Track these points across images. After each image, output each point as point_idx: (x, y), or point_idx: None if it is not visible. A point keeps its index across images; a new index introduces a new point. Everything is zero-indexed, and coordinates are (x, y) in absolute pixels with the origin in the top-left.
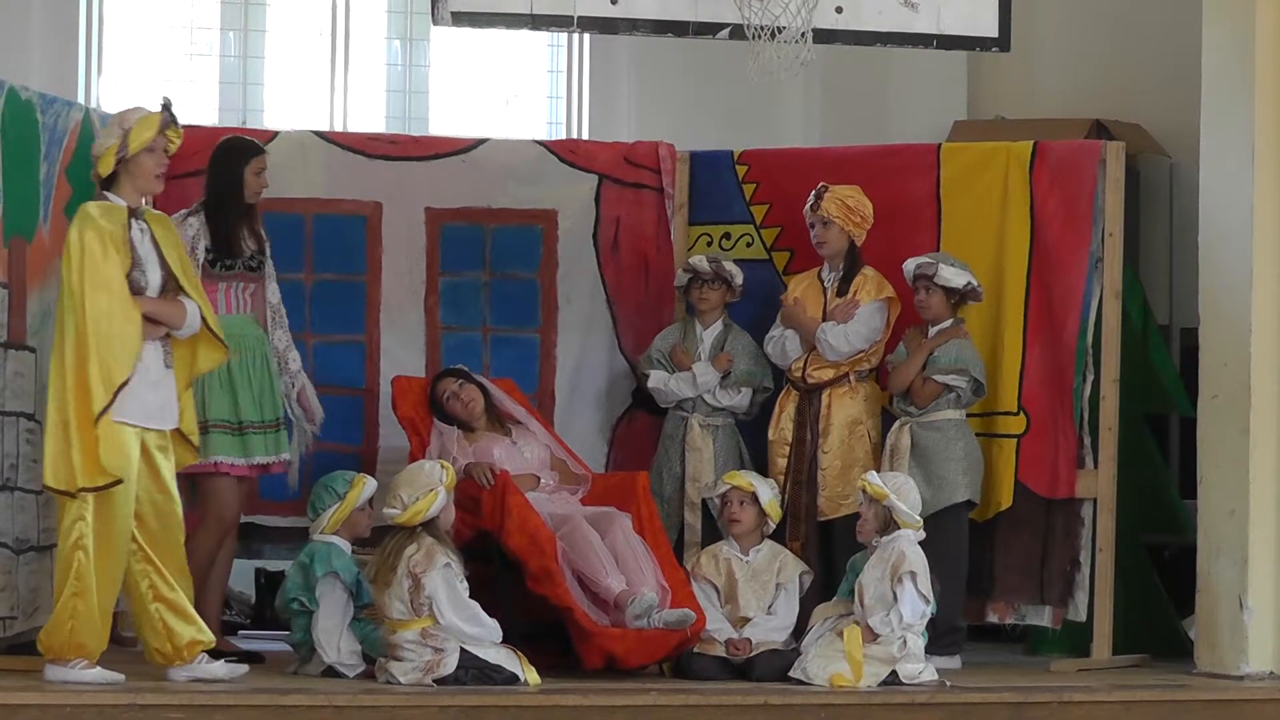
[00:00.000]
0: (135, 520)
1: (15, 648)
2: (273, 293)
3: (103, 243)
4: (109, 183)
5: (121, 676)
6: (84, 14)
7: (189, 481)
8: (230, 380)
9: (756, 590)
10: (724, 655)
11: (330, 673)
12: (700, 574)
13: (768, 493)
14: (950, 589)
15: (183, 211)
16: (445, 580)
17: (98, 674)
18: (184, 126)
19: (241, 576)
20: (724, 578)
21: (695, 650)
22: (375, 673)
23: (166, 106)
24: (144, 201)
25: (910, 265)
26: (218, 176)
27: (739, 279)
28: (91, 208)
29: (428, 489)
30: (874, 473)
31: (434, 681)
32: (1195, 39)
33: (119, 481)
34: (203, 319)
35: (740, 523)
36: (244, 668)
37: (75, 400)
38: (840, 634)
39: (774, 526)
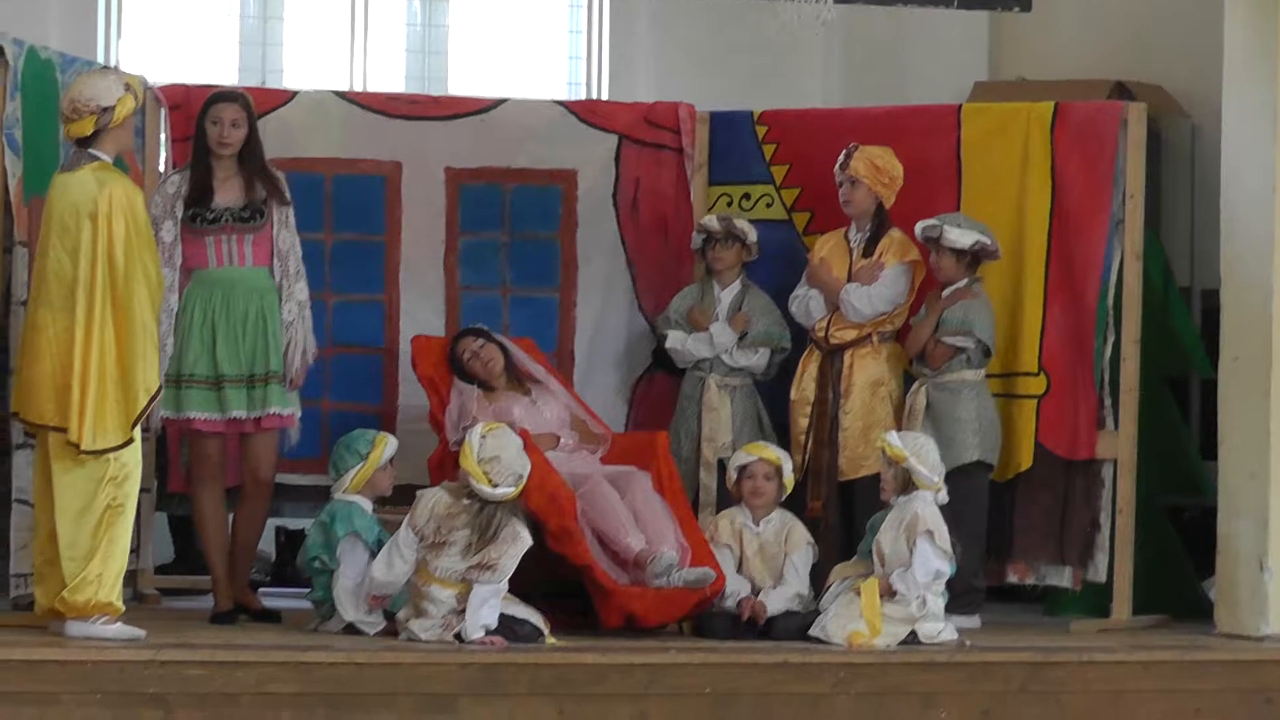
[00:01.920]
0: None
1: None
2: (283, 240)
3: (144, 208)
4: (90, 139)
5: (142, 633)
6: None
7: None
8: (212, 333)
9: (766, 561)
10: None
11: (351, 630)
12: (719, 539)
13: (788, 466)
14: (968, 549)
15: (171, 169)
16: (512, 566)
17: (119, 629)
18: (203, 86)
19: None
20: (737, 547)
21: (714, 609)
22: (396, 629)
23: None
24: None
25: (918, 229)
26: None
27: (752, 236)
28: (112, 173)
29: (525, 459)
30: (894, 433)
31: (455, 637)
32: (1217, 0)
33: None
34: None
35: (764, 495)
36: None
37: (122, 362)
38: (858, 592)
39: (785, 496)
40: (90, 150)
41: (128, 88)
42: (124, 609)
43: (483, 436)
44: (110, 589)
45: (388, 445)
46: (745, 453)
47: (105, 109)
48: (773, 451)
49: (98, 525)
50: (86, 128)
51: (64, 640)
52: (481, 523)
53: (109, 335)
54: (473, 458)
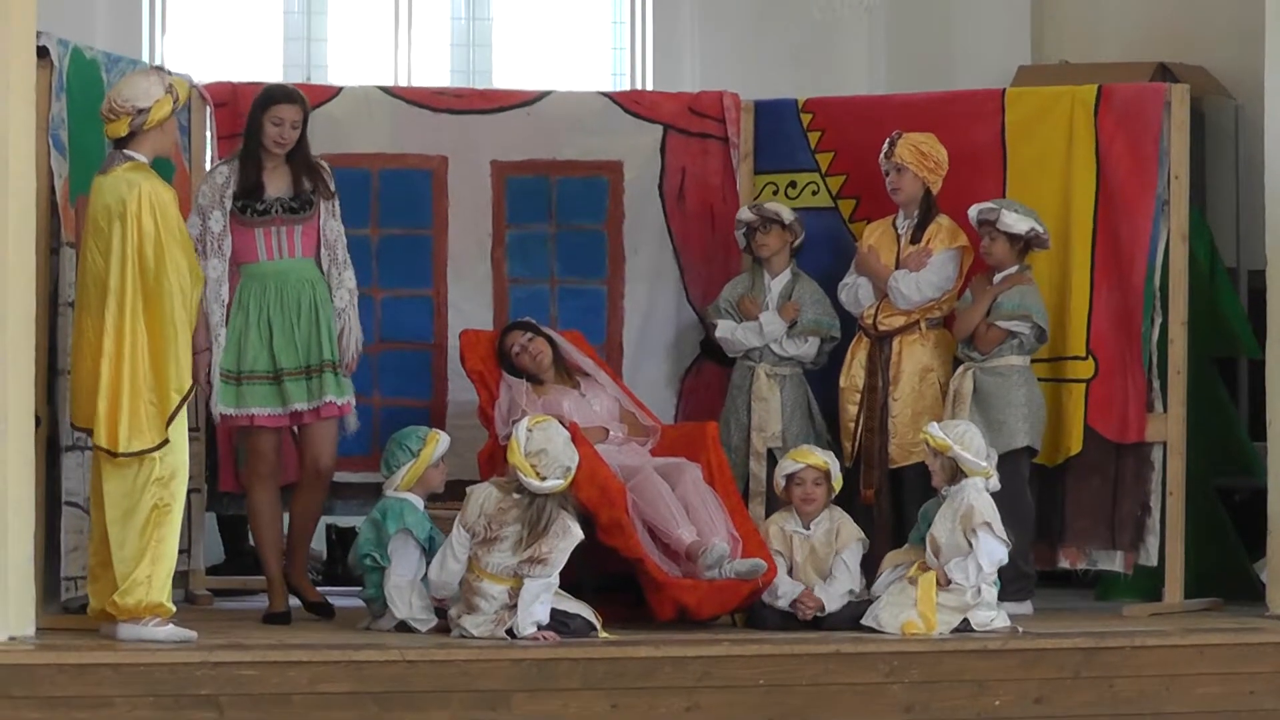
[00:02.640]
0: None
1: (86, 606)
2: (330, 229)
3: (177, 208)
4: (127, 139)
5: (194, 634)
6: None
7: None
8: (269, 328)
9: (817, 564)
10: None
11: (403, 628)
12: (769, 547)
13: (835, 467)
14: (1016, 535)
15: (219, 160)
16: (563, 559)
17: (171, 631)
18: (249, 84)
19: None
20: (787, 553)
21: (766, 600)
22: (448, 626)
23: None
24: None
25: (974, 211)
26: (246, 124)
27: (788, 215)
28: (143, 172)
29: (573, 451)
30: (935, 425)
31: (507, 633)
32: None
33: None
34: None
35: (815, 502)
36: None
37: (155, 363)
38: (912, 581)
39: (835, 494)
40: (125, 151)
41: (169, 90)
42: (175, 610)
43: (529, 430)
44: (160, 590)
45: (440, 443)
46: (792, 460)
47: (141, 110)
48: (818, 456)
49: (145, 526)
50: (121, 129)
51: (116, 643)
52: (532, 517)
53: (141, 336)
54: (520, 452)
